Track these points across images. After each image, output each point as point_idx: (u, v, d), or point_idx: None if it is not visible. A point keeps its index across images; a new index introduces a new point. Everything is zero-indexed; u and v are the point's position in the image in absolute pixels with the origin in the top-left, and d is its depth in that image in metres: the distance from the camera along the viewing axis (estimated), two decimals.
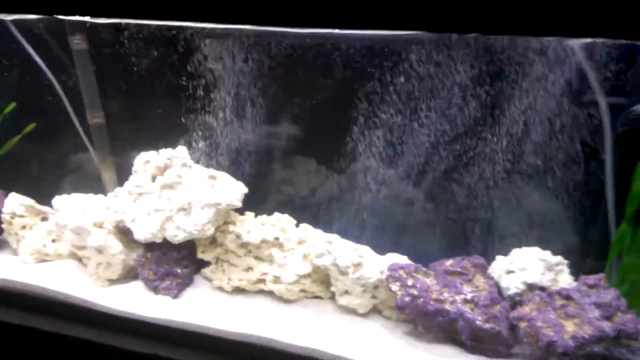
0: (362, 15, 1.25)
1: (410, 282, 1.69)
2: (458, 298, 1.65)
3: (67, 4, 1.51)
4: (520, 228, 1.88)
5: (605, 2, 1.10)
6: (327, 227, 1.88)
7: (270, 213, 1.94)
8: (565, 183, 1.79)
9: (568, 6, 1.14)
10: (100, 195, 1.99)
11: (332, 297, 1.88)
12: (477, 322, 1.59)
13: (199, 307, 1.84)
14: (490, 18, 1.17)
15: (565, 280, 1.69)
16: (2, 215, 2.02)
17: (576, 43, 1.48)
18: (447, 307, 1.64)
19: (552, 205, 1.85)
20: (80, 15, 1.69)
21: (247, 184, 1.87)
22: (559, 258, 1.71)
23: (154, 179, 1.88)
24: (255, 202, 1.96)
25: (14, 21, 1.88)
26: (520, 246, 1.78)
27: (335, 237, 1.80)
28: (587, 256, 1.83)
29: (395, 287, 1.70)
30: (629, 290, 1.65)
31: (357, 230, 2.06)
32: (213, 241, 1.89)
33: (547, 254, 1.71)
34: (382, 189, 2.01)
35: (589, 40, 1.45)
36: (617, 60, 1.46)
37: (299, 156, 2.16)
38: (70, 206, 1.91)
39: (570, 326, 1.53)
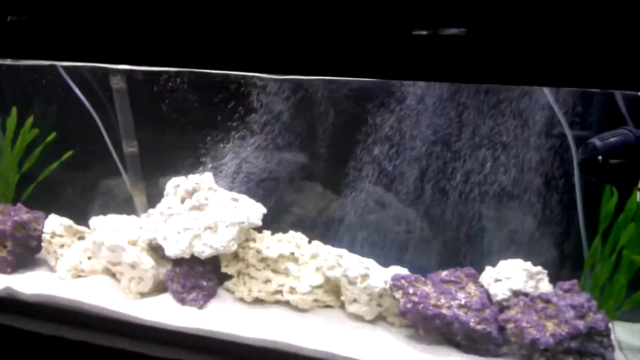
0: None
1: (411, 290, 1.93)
2: (453, 303, 1.89)
3: (107, 55, 1.78)
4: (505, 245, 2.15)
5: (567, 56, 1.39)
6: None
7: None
8: (543, 205, 2.07)
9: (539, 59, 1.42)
10: (133, 216, 2.23)
11: (342, 305, 2.10)
12: (471, 324, 1.83)
13: (222, 317, 2.05)
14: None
15: (545, 287, 1.94)
16: (43, 235, 2.23)
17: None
18: (444, 311, 1.88)
19: (532, 224, 2.12)
20: (117, 63, 1.95)
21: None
22: (539, 268, 1.97)
23: (183, 201, 2.12)
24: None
25: (63, 66, 2.15)
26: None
27: (344, 252, 2.04)
28: (564, 267, 2.09)
29: (398, 295, 1.95)
30: (600, 295, 1.91)
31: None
32: (235, 256, 2.12)
33: (528, 265, 1.96)
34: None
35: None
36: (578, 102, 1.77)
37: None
38: (107, 226, 2.14)
39: (550, 325, 1.78)
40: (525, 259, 2.00)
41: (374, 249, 2.36)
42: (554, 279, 1.97)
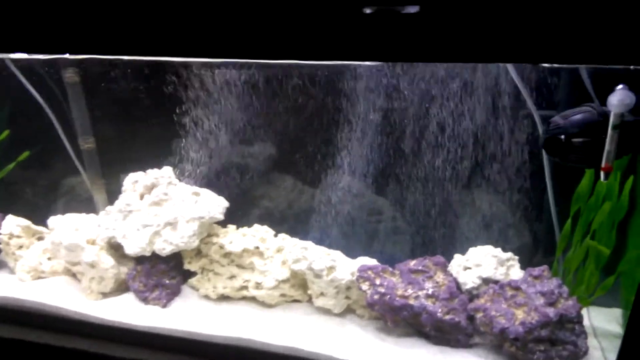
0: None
1: (378, 281, 1.87)
2: (421, 293, 1.83)
3: (57, 44, 1.70)
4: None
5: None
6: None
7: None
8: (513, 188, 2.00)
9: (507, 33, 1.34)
10: (92, 215, 2.15)
11: (310, 300, 2.04)
12: (438, 314, 1.77)
13: (186, 315, 1.99)
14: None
15: (516, 273, 1.88)
16: (0, 236, 2.16)
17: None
18: (411, 302, 1.82)
19: (503, 207, 2.05)
20: (71, 53, 1.86)
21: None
22: (509, 254, 1.91)
23: (142, 197, 2.04)
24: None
25: (12, 59, 2.07)
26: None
27: (309, 244, 1.97)
28: (536, 252, 2.03)
29: (364, 286, 1.88)
30: (573, 280, 1.85)
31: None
32: (198, 252, 2.05)
33: (498, 251, 1.90)
34: None
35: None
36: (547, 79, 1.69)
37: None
38: (65, 225, 2.07)
39: (520, 314, 1.71)
40: (497, 245, 1.94)
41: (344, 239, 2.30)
42: (527, 265, 1.91)
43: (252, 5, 1.36)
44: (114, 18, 1.59)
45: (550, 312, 1.67)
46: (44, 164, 2.33)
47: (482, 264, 1.88)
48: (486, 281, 1.87)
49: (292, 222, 2.34)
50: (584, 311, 1.79)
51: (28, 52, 1.82)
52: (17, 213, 2.22)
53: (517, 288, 1.76)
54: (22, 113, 2.25)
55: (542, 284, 1.74)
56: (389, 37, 1.39)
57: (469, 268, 1.90)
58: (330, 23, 1.36)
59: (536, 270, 1.77)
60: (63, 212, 2.15)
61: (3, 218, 2.20)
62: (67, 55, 1.92)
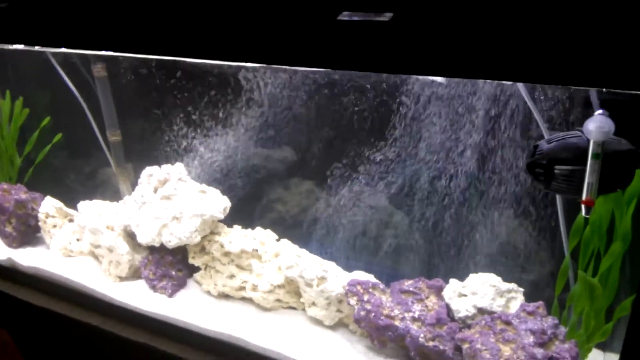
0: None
1: (365, 298, 1.81)
2: (407, 315, 1.75)
3: (90, 41, 1.85)
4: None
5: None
6: None
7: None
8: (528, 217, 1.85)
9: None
10: (115, 202, 2.31)
11: (305, 308, 2.03)
12: (420, 339, 1.68)
13: (188, 307, 2.07)
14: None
15: (517, 307, 1.73)
16: (39, 215, 2.39)
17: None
18: (396, 323, 1.74)
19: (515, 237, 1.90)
20: (101, 50, 2.01)
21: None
22: (511, 285, 1.76)
23: (155, 190, 2.15)
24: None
25: (52, 53, 2.28)
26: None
27: (303, 252, 1.96)
28: (547, 286, 1.85)
29: (352, 301, 1.83)
30: (577, 320, 1.67)
31: None
32: (202, 249, 2.12)
33: (498, 280, 1.76)
34: None
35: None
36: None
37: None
38: (90, 210, 2.24)
39: (506, 350, 1.58)
40: (506, 275, 1.80)
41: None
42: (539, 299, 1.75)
43: (230, 10, 1.39)
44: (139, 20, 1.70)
45: (539, 353, 1.52)
46: (80, 152, 2.54)
47: (478, 292, 1.76)
48: (481, 311, 1.74)
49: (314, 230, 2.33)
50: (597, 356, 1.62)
51: (67, 47, 1.98)
52: (56, 197, 2.43)
53: (507, 323, 1.63)
54: (61, 102, 2.46)
55: (535, 321, 1.58)
56: (366, 45, 1.35)
57: (465, 295, 1.78)
58: (305, 29, 1.35)
59: (530, 306, 1.62)
60: (93, 198, 2.32)
61: (42, 199, 2.43)
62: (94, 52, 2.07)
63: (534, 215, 1.84)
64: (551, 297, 1.77)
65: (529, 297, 1.78)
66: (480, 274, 1.81)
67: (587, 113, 1.31)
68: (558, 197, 1.65)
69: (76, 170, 2.64)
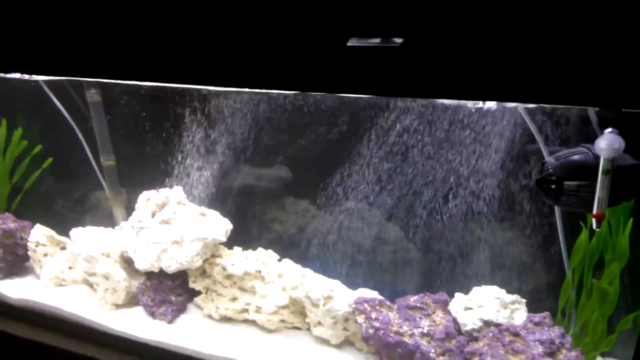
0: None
1: (373, 315, 1.83)
2: (416, 331, 1.77)
3: (83, 69, 1.82)
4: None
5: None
6: None
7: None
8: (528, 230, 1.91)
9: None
10: (109, 228, 2.26)
11: (310, 328, 2.03)
12: (431, 354, 1.71)
13: (189, 333, 2.04)
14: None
15: (521, 318, 1.78)
16: (28, 244, 2.32)
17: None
18: (406, 339, 1.76)
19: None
20: (94, 77, 1.99)
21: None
22: (514, 297, 1.81)
23: (153, 214, 2.12)
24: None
25: (45, 81, 2.24)
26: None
27: (308, 271, 1.97)
28: (549, 297, 1.91)
29: (360, 319, 1.85)
30: (581, 331, 1.72)
31: None
32: (203, 272, 2.09)
33: (502, 293, 1.81)
34: None
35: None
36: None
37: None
38: (84, 237, 2.18)
39: None
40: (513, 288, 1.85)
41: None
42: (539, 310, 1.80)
43: (238, 34, 1.40)
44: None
45: None
46: (71, 177, 2.49)
47: (483, 305, 1.80)
48: (487, 324, 1.78)
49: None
50: None
51: (60, 75, 1.95)
52: (45, 223, 2.36)
53: (516, 334, 1.67)
54: (53, 129, 2.41)
55: (542, 331, 1.63)
56: (375, 70, 1.38)
57: (470, 309, 1.81)
58: (315, 55, 1.38)
59: (537, 317, 1.67)
60: (86, 225, 2.27)
61: (32, 227, 2.36)
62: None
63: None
64: (546, 306, 1.84)
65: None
66: (484, 287, 1.86)
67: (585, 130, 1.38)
68: (557, 213, 1.71)
69: (65, 195, 2.57)
